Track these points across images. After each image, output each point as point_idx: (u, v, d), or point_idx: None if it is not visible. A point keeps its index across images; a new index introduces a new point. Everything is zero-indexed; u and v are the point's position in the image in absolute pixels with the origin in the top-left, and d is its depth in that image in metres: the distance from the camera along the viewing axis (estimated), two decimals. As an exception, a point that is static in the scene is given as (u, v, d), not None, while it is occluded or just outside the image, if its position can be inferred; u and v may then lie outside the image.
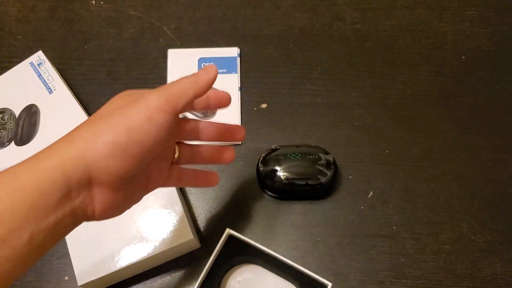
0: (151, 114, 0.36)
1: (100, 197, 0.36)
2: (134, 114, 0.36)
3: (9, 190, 0.32)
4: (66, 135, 0.37)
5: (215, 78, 0.41)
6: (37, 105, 0.56)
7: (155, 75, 0.62)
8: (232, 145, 0.58)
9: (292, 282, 0.50)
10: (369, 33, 0.64)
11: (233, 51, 0.62)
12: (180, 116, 0.57)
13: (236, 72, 0.61)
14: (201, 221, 0.55)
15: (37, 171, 0.33)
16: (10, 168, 0.33)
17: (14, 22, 0.65)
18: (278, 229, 0.55)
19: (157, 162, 0.41)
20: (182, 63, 0.62)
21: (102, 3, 0.66)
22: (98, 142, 0.34)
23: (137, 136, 0.36)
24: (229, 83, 0.61)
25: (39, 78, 0.57)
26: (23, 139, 0.55)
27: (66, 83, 0.58)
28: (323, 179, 0.53)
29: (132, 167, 0.36)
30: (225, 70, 0.61)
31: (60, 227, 0.34)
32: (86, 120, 0.38)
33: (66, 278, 0.53)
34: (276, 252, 0.51)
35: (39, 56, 0.58)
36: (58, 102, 0.56)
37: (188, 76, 0.40)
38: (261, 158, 0.55)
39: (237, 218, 0.55)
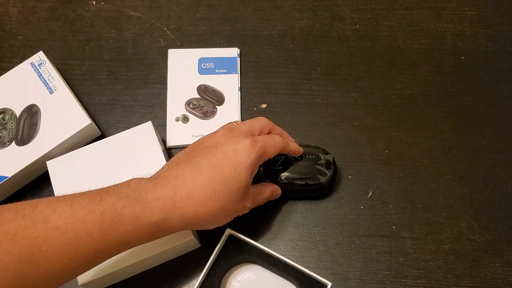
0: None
1: None
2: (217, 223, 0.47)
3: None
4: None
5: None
6: (38, 105, 0.56)
7: (155, 75, 0.62)
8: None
9: (292, 282, 0.51)
10: (369, 34, 0.64)
11: (233, 52, 0.62)
12: (180, 116, 0.58)
13: (236, 72, 0.61)
14: (201, 221, 0.56)
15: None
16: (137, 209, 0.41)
17: (14, 22, 0.65)
18: (278, 229, 0.55)
19: None
20: (182, 63, 0.62)
21: (102, 3, 0.66)
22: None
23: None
24: (229, 83, 0.61)
25: (40, 78, 0.57)
26: (23, 139, 0.55)
27: (67, 83, 0.59)
28: (322, 179, 0.53)
29: None
30: (225, 70, 0.61)
31: None
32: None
33: (67, 277, 0.53)
34: (276, 252, 0.51)
35: (39, 56, 0.58)
36: (59, 102, 0.56)
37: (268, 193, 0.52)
38: (261, 158, 0.55)
39: (237, 218, 0.55)
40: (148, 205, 0.41)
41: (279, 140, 0.49)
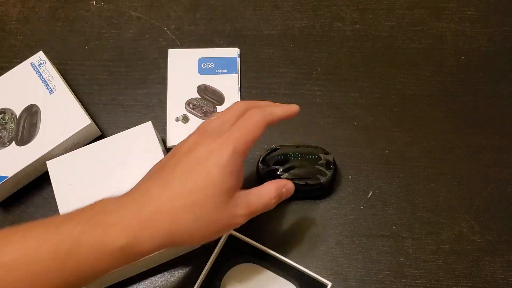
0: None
1: None
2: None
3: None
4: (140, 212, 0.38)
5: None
6: (38, 105, 0.56)
7: (155, 75, 0.62)
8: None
9: (292, 282, 0.51)
10: (369, 34, 0.64)
11: (233, 51, 0.62)
12: (180, 116, 0.58)
13: (236, 72, 0.61)
14: (201, 221, 0.55)
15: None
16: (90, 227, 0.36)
17: (14, 22, 0.65)
18: (278, 229, 0.55)
19: None
20: (182, 63, 0.62)
21: (102, 3, 0.66)
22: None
23: None
24: (229, 83, 0.61)
25: (40, 78, 0.57)
26: (23, 139, 0.55)
27: (67, 83, 0.59)
28: (322, 179, 0.53)
29: None
30: (225, 70, 0.61)
31: None
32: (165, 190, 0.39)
33: (67, 277, 0.53)
34: (276, 252, 0.51)
35: (39, 56, 0.58)
36: (59, 102, 0.56)
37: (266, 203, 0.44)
38: (261, 158, 0.55)
39: (237, 218, 0.55)
40: (111, 229, 0.36)
41: (256, 118, 0.43)
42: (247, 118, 0.43)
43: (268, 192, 0.44)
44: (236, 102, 0.46)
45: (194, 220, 0.38)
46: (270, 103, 0.46)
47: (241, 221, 0.41)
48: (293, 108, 0.46)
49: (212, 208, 0.39)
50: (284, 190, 0.46)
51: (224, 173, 0.39)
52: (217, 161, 0.39)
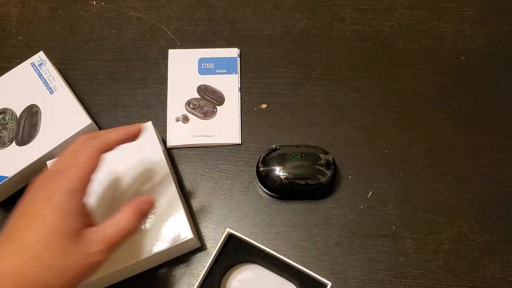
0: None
1: None
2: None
3: None
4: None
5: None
6: (38, 105, 0.56)
7: (155, 76, 0.62)
8: (231, 144, 0.58)
9: (292, 282, 0.51)
10: (369, 34, 0.64)
11: (233, 52, 0.62)
12: (180, 116, 0.58)
13: (236, 72, 0.61)
14: (201, 221, 0.56)
15: None
16: None
17: (15, 23, 0.65)
18: (278, 229, 0.55)
19: None
20: (182, 63, 0.62)
21: (102, 3, 0.66)
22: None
23: None
24: (229, 83, 0.61)
25: (40, 78, 0.57)
26: (24, 139, 0.55)
27: (67, 83, 0.59)
28: (322, 179, 0.53)
29: None
30: (225, 70, 0.61)
31: None
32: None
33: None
34: (276, 252, 0.51)
35: (40, 56, 0.58)
36: (59, 102, 0.56)
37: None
38: (261, 158, 0.55)
39: (237, 218, 0.56)
40: None
41: (88, 150, 0.41)
42: (80, 153, 0.41)
43: (125, 216, 0.41)
44: (75, 141, 0.43)
45: (42, 272, 0.36)
46: (112, 129, 0.45)
47: (101, 257, 0.39)
48: (133, 129, 0.44)
49: (58, 256, 0.37)
50: (146, 206, 0.43)
51: (62, 217, 0.38)
52: (52, 207, 0.38)
